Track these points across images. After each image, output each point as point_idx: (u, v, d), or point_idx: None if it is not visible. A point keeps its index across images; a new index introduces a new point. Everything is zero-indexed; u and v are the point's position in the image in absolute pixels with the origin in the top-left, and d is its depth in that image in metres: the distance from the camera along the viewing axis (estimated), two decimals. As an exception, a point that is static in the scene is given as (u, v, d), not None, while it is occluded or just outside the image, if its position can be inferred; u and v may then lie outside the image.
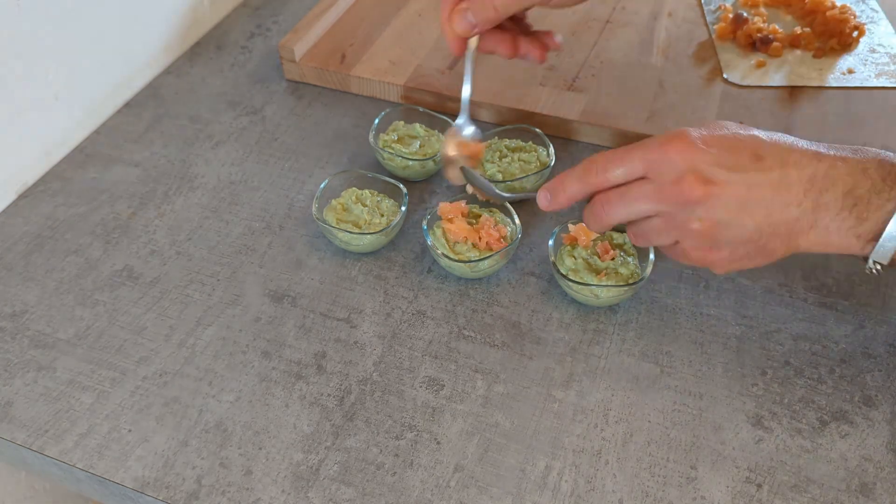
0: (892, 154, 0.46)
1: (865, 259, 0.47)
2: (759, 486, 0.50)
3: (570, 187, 0.51)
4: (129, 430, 0.53)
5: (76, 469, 0.51)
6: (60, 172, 0.73)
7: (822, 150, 0.46)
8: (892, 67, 0.80)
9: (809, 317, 0.59)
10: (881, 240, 0.45)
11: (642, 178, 0.48)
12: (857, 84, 0.78)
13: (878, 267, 0.47)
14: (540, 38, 0.61)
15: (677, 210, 0.47)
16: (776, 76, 0.79)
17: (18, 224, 0.68)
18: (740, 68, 0.80)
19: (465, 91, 0.62)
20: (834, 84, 0.78)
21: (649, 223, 0.49)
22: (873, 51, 0.82)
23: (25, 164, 0.71)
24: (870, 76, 0.79)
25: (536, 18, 0.90)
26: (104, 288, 0.62)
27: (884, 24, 0.86)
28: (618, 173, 0.48)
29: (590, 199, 0.51)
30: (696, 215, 0.47)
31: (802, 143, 0.47)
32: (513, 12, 0.56)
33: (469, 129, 0.63)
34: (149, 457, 0.52)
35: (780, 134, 0.48)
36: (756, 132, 0.47)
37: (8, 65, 0.66)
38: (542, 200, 0.52)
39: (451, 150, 0.61)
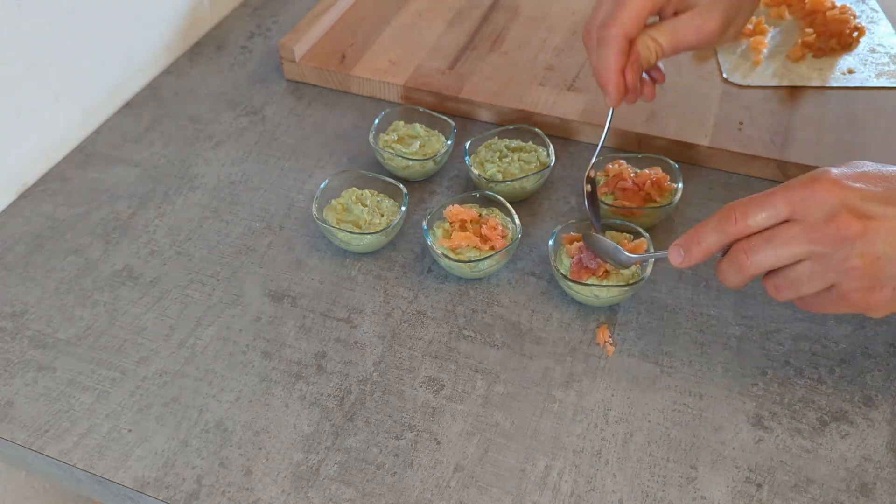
0: None
1: None
2: (759, 486, 0.50)
3: (707, 239, 0.47)
4: (129, 430, 0.53)
5: (76, 469, 0.51)
6: (60, 172, 0.73)
7: None
8: (893, 67, 0.80)
9: (809, 317, 0.59)
10: None
11: (787, 220, 0.45)
12: (857, 84, 0.78)
13: None
14: (650, 74, 0.62)
15: (833, 250, 0.44)
16: (776, 76, 0.79)
17: (18, 224, 0.68)
18: (741, 69, 0.80)
19: (604, 140, 0.62)
20: (834, 84, 0.78)
21: (798, 270, 0.46)
22: (873, 51, 0.82)
23: (25, 164, 0.71)
24: (870, 76, 0.79)
25: (534, 18, 0.90)
26: (104, 288, 0.62)
27: (884, 24, 0.86)
28: (760, 218, 0.45)
29: (726, 251, 0.48)
30: (856, 252, 0.43)
31: None
32: (677, 50, 0.57)
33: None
34: (149, 457, 0.52)
35: None
36: (893, 167, 0.45)
37: (8, 65, 0.66)
38: (675, 258, 0.49)
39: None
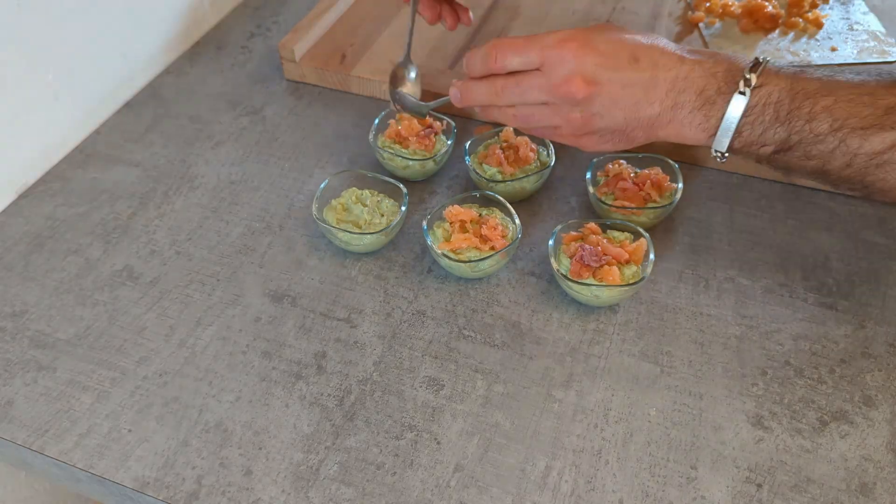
0: (742, 58, 0.53)
1: (710, 148, 0.55)
2: (759, 486, 0.50)
3: (477, 67, 0.56)
4: (129, 430, 0.53)
5: (76, 469, 0.51)
6: (60, 172, 0.73)
7: (686, 55, 0.53)
8: (873, 44, 0.84)
9: (809, 317, 0.59)
10: (717, 133, 0.53)
11: (537, 69, 0.54)
12: (841, 61, 0.82)
13: (720, 154, 0.54)
14: (455, 10, 0.69)
15: (562, 103, 0.54)
16: (765, 54, 0.82)
17: (18, 224, 0.68)
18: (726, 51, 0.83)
19: (409, 35, 0.69)
20: (820, 62, 0.82)
21: (536, 109, 0.55)
22: (852, 28, 0.86)
23: (25, 164, 0.71)
24: (852, 53, 0.83)
25: (534, 18, 0.90)
26: (104, 288, 0.62)
27: (858, 3, 0.90)
28: (515, 62, 0.54)
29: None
30: (578, 109, 0.54)
31: (671, 47, 0.54)
32: None
33: (412, 72, 0.70)
34: (149, 457, 0.52)
35: (656, 37, 0.54)
36: (637, 36, 0.54)
37: (8, 65, 0.66)
38: (454, 97, 0.59)
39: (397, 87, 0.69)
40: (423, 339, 0.58)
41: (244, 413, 0.54)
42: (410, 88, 0.70)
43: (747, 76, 0.51)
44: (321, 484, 0.50)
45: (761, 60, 0.52)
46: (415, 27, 0.69)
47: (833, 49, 0.83)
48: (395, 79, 0.70)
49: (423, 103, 0.66)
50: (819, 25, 0.85)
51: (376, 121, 0.71)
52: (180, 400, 0.55)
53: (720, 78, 0.52)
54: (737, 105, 0.51)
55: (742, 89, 0.51)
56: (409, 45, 0.70)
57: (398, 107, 0.68)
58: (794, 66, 0.53)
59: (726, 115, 0.52)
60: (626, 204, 0.63)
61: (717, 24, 0.87)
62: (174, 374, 0.56)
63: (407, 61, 0.70)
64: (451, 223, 0.61)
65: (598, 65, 0.52)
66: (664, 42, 0.54)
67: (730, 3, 0.88)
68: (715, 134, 0.53)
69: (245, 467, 0.51)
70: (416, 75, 0.71)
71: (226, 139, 0.76)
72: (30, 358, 0.57)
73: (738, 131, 0.52)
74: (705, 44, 0.85)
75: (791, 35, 0.85)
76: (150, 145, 0.76)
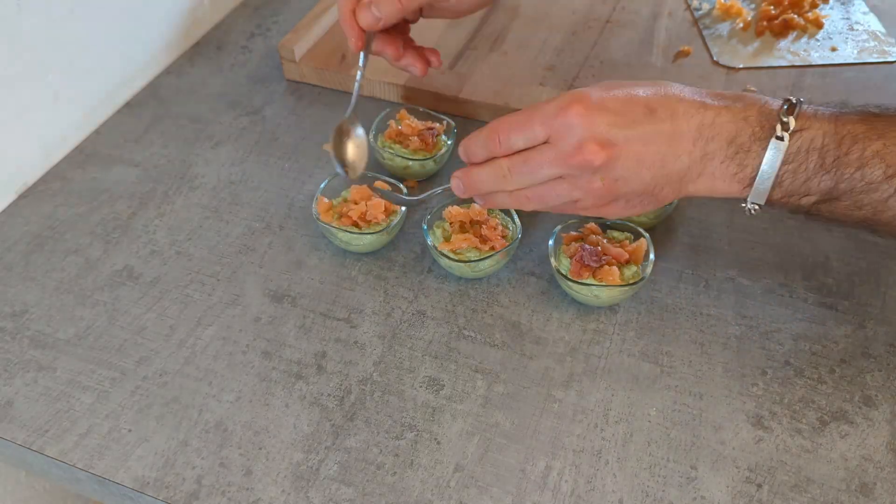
0: (772, 100, 0.49)
1: (744, 201, 0.50)
2: (759, 486, 0.50)
3: (478, 153, 0.52)
4: (129, 430, 0.53)
5: (76, 469, 0.51)
6: (60, 172, 0.73)
7: (708, 101, 0.49)
8: (873, 44, 0.84)
9: (809, 317, 0.59)
10: (755, 183, 0.48)
11: (545, 142, 0.49)
12: (841, 61, 0.82)
13: (756, 207, 0.50)
14: (423, 54, 0.64)
15: (580, 173, 0.49)
16: (764, 54, 0.83)
17: (18, 224, 0.68)
18: (728, 51, 0.84)
19: (356, 86, 0.61)
20: (820, 62, 0.82)
21: (552, 185, 0.51)
22: (852, 28, 0.86)
23: (25, 164, 0.71)
24: (852, 53, 0.83)
25: (534, 18, 0.90)
26: (104, 288, 0.62)
27: (857, 3, 0.90)
28: (520, 141, 0.50)
29: None
30: (598, 176, 0.49)
31: (687, 92, 0.50)
32: (416, 6, 0.58)
33: (359, 130, 0.60)
34: (149, 457, 0.52)
35: (668, 84, 0.50)
36: (646, 86, 0.50)
37: (8, 65, 0.66)
38: (457, 189, 0.54)
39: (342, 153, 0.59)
40: (423, 339, 0.58)
41: (244, 413, 0.54)
42: (353, 152, 0.59)
43: (784, 119, 0.47)
44: (321, 484, 0.50)
45: (795, 101, 0.48)
46: (370, 56, 0.61)
47: (833, 49, 0.83)
48: (341, 135, 0.59)
49: (408, 198, 0.60)
50: (819, 25, 0.86)
51: (376, 121, 0.71)
52: (180, 400, 0.55)
53: (753, 122, 0.48)
54: (775, 152, 0.47)
55: (780, 134, 0.47)
56: (356, 98, 0.60)
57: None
58: (829, 105, 0.49)
59: (764, 164, 0.47)
60: None
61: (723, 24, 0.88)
62: (174, 374, 0.56)
63: (353, 118, 0.60)
64: (450, 223, 0.61)
65: (611, 124, 0.48)
66: (678, 88, 0.50)
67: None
68: (751, 185, 0.48)
69: (245, 467, 0.51)
70: (363, 137, 0.60)
71: (226, 139, 0.76)
72: (30, 358, 0.57)
73: (779, 181, 0.48)
74: (705, 43, 0.85)
75: (791, 35, 0.85)
76: (150, 145, 0.76)
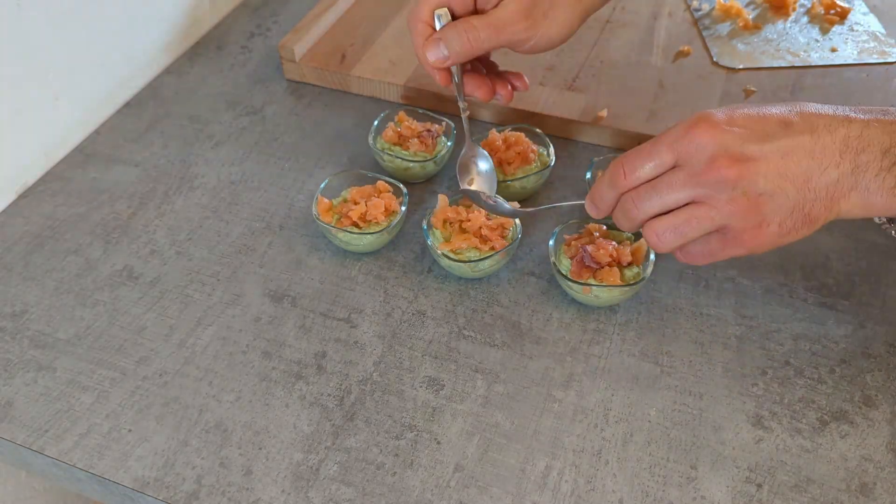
0: None
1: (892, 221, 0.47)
2: (759, 486, 0.50)
3: (604, 197, 0.50)
4: (129, 430, 0.53)
5: (76, 469, 0.51)
6: (60, 172, 0.73)
7: (852, 114, 0.46)
8: (873, 44, 0.84)
9: (809, 317, 0.59)
10: None
11: (673, 168, 0.47)
12: (841, 62, 0.82)
13: None
14: (509, 79, 0.62)
15: (716, 191, 0.46)
16: (765, 55, 0.83)
17: (18, 224, 0.68)
18: (727, 52, 0.84)
19: (464, 119, 0.62)
20: (820, 63, 0.82)
21: (683, 213, 0.47)
22: (852, 29, 0.86)
23: (25, 164, 0.71)
24: (853, 54, 0.83)
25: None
26: (104, 288, 0.62)
27: (858, 4, 0.90)
28: (647, 169, 0.47)
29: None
30: (739, 192, 0.45)
31: (828, 108, 0.47)
32: (486, 49, 0.57)
33: (484, 164, 0.63)
34: (149, 457, 0.52)
35: (803, 102, 0.47)
36: (779, 104, 0.47)
37: (8, 65, 0.66)
38: (592, 210, 0.52)
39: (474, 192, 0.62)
40: (423, 339, 0.58)
41: (244, 413, 0.54)
42: (479, 182, 0.62)
43: None
44: (321, 484, 0.50)
45: None
46: (463, 96, 0.61)
47: (833, 50, 0.83)
48: (463, 170, 0.62)
49: (520, 210, 0.60)
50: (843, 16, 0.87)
51: (375, 122, 0.71)
52: (180, 400, 0.55)
53: None
54: None
55: None
56: (467, 129, 0.63)
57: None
58: None
59: None
60: None
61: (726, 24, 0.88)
62: (174, 374, 0.56)
63: (470, 150, 0.63)
64: (449, 223, 0.61)
65: (744, 139, 0.45)
66: (815, 105, 0.47)
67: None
68: None
69: (245, 467, 0.51)
70: (489, 166, 0.63)
71: (226, 139, 0.76)
72: (30, 358, 0.57)
73: None
74: (704, 44, 0.85)
75: (787, 29, 0.86)
76: (150, 145, 0.76)
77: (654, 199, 0.47)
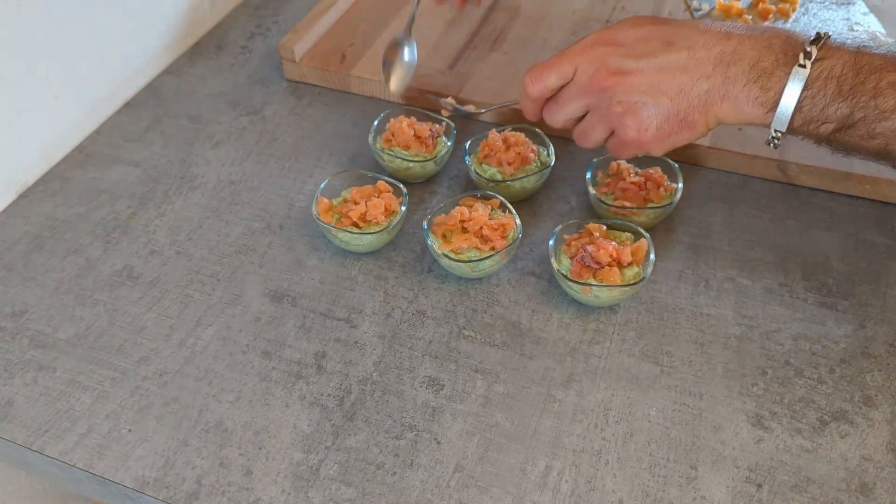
0: (800, 34, 0.50)
1: (767, 131, 0.51)
2: (759, 486, 0.50)
3: (525, 104, 0.59)
4: (129, 430, 0.53)
5: (76, 469, 0.51)
6: (60, 172, 0.73)
7: (733, 31, 0.51)
8: (873, 45, 0.83)
9: (809, 317, 0.59)
10: (778, 107, 0.49)
11: (572, 79, 0.55)
12: None
13: (778, 136, 0.51)
14: None
15: (600, 100, 0.54)
16: None
17: (18, 224, 0.68)
18: None
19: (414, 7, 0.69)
20: None
21: (585, 121, 0.57)
22: (852, 29, 0.86)
23: (25, 164, 0.71)
24: None
25: (534, 18, 0.90)
26: (104, 288, 0.62)
27: (859, 4, 0.90)
28: (551, 79, 0.56)
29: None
30: (615, 100, 0.53)
31: (715, 26, 0.52)
32: None
33: (409, 48, 0.72)
34: (149, 457, 0.52)
35: (696, 21, 0.53)
36: (674, 24, 0.53)
37: (8, 65, 0.66)
38: (525, 114, 0.61)
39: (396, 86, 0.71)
40: (423, 339, 0.58)
41: (244, 413, 0.54)
42: (401, 70, 0.70)
43: (808, 49, 0.48)
44: (321, 484, 0.50)
45: (822, 35, 0.49)
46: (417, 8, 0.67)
47: None
48: (391, 52, 0.70)
49: (474, 110, 0.65)
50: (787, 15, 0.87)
51: (375, 122, 0.71)
52: (180, 400, 0.55)
53: (777, 49, 0.50)
54: (797, 77, 0.48)
55: (802, 62, 0.48)
56: (413, 16, 0.68)
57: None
58: (854, 42, 0.50)
59: (786, 88, 0.49)
60: (627, 204, 0.63)
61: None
62: (174, 374, 0.56)
63: (407, 35, 0.70)
64: (448, 226, 0.61)
65: (624, 55, 0.52)
66: (706, 24, 0.52)
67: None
68: (774, 109, 0.50)
69: (245, 467, 0.51)
70: (413, 54, 0.70)
71: (226, 139, 0.76)
72: (30, 358, 0.57)
73: (799, 107, 0.49)
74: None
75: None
76: (150, 145, 0.76)
77: (559, 111, 0.57)
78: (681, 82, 0.51)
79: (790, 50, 0.49)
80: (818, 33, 0.49)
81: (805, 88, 0.49)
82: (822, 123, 0.50)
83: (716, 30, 0.51)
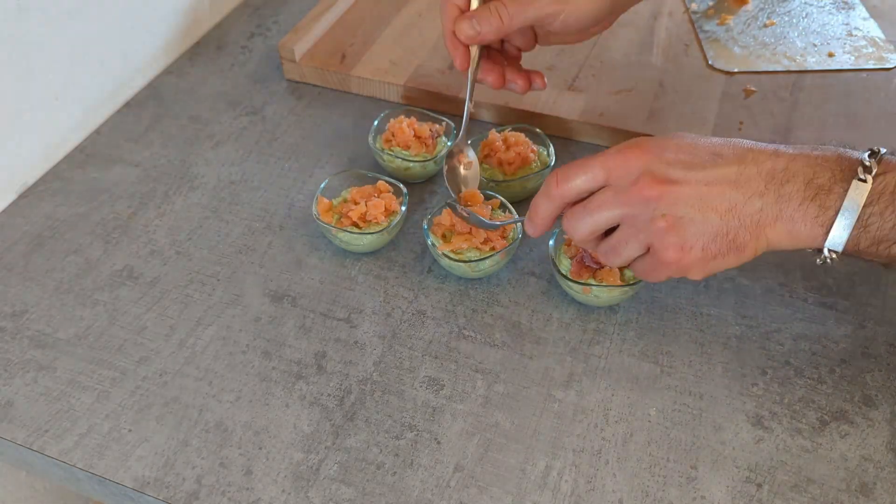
0: (850, 150, 0.47)
1: (820, 250, 0.47)
2: (759, 486, 0.50)
3: (540, 207, 0.52)
4: (130, 430, 0.53)
5: (76, 469, 0.51)
6: (60, 172, 0.73)
7: (782, 149, 0.47)
8: (871, 49, 0.83)
9: (809, 317, 0.59)
10: (835, 223, 0.45)
11: (604, 186, 0.49)
12: (838, 67, 0.82)
13: (833, 256, 0.47)
14: (527, 74, 0.63)
15: (639, 211, 0.47)
16: (761, 59, 0.83)
17: (18, 224, 0.68)
18: (723, 55, 0.84)
19: (466, 113, 0.62)
20: (816, 67, 0.81)
21: (617, 234, 0.50)
22: (850, 34, 0.86)
23: (25, 164, 0.71)
24: (850, 59, 0.82)
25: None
26: (104, 288, 0.62)
27: (859, 8, 0.90)
28: (579, 182, 0.49)
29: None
30: (659, 212, 0.47)
31: (761, 144, 0.48)
32: (516, 25, 0.57)
33: (470, 154, 0.64)
34: (149, 456, 0.52)
35: (741, 139, 0.49)
36: (716, 138, 0.49)
37: (8, 65, 0.66)
38: (529, 229, 0.54)
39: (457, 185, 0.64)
40: (423, 339, 0.58)
41: (244, 413, 0.54)
42: (466, 175, 0.64)
43: (867, 163, 0.45)
44: (321, 484, 0.50)
45: (877, 149, 0.46)
46: (473, 89, 0.61)
47: (830, 55, 0.83)
48: (451, 158, 0.64)
49: (489, 221, 0.59)
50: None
51: (375, 122, 0.71)
52: (180, 400, 0.55)
53: (832, 166, 0.46)
54: (858, 191, 0.44)
55: (862, 176, 0.44)
56: (466, 121, 0.63)
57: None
58: None
59: (846, 203, 0.45)
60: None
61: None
62: (174, 374, 0.56)
63: (463, 142, 0.64)
64: (448, 228, 0.61)
65: (670, 163, 0.47)
66: (750, 141, 0.49)
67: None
68: (831, 226, 0.46)
69: (245, 467, 0.51)
70: (475, 161, 0.64)
71: (226, 139, 0.76)
72: (30, 358, 0.57)
73: (864, 224, 0.45)
74: (700, 46, 0.85)
75: (773, 30, 0.86)
76: (150, 145, 0.76)
77: (587, 218, 0.49)
78: (731, 199, 0.46)
79: (846, 165, 0.46)
80: (872, 149, 0.46)
81: (868, 204, 0.45)
82: (893, 244, 0.46)
83: (763, 147, 0.48)
